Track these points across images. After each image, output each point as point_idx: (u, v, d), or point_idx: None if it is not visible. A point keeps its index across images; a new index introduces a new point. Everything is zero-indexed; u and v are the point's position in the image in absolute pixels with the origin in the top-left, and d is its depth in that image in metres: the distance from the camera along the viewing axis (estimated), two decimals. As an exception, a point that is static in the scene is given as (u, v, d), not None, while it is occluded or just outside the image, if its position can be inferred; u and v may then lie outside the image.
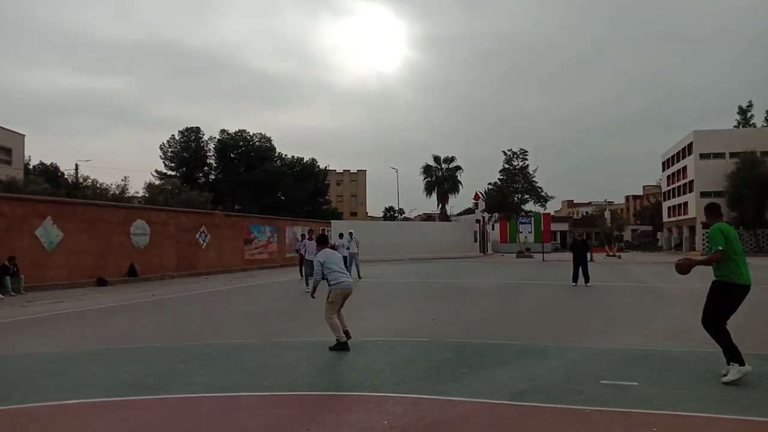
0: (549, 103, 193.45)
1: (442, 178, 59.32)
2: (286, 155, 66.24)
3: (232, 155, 61.82)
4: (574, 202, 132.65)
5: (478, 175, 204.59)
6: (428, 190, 60.16)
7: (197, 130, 61.94)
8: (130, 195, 39.99)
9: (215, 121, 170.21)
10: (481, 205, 51.90)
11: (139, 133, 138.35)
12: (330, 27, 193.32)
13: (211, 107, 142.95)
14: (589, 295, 14.85)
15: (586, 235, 58.94)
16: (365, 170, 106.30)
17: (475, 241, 50.66)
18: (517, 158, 46.13)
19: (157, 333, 9.23)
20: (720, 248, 5.51)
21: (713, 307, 5.63)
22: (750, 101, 73.65)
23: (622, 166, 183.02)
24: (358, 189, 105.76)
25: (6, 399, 5.18)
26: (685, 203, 62.22)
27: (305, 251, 17.80)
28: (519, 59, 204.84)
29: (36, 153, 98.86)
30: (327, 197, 72.00)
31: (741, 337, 8.11)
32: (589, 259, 18.46)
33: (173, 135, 61.39)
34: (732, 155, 54.12)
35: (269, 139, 64.19)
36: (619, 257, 40.60)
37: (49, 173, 46.02)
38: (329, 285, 7.65)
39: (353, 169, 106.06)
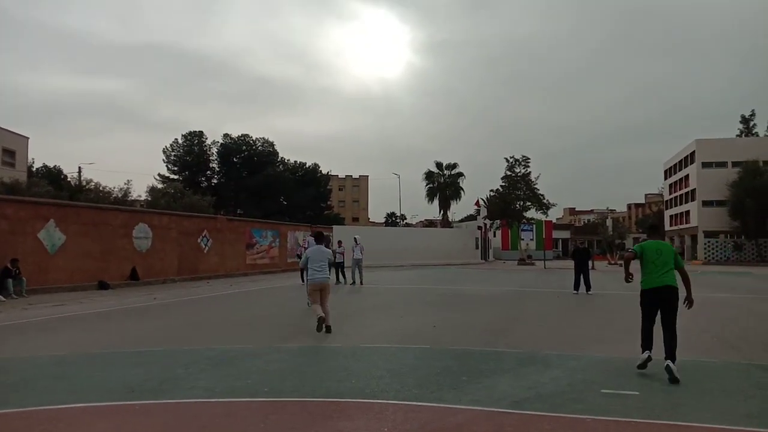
0: (552, 110, 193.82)
1: (444, 185, 59.28)
2: (288, 160, 66.51)
3: (234, 159, 61.90)
4: (576, 209, 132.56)
5: (481, 182, 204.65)
6: (430, 196, 60.13)
7: (200, 134, 62.10)
8: (132, 198, 40.09)
9: (218, 125, 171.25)
10: (483, 211, 51.92)
11: (143, 136, 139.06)
12: (334, 31, 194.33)
13: (214, 111, 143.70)
14: (591, 303, 14.83)
15: (588, 242, 58.94)
16: (367, 176, 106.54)
17: (477, 247, 50.64)
18: (519, 165, 46.23)
19: (158, 337, 9.23)
20: (631, 251, 7.10)
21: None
22: (753, 110, 73.36)
23: (625, 174, 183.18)
24: (360, 194, 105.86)
25: (6, 403, 5.18)
26: (687, 212, 62.13)
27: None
28: (523, 66, 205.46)
29: (39, 155, 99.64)
30: (329, 202, 72.06)
31: (742, 348, 8.11)
32: (590, 267, 18.45)
33: (176, 139, 61.58)
34: (734, 164, 54.07)
35: (272, 144, 64.39)
36: (621, 265, 40.47)
37: (53, 176, 46.20)
38: (306, 278, 9.31)
39: (355, 175, 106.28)
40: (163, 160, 60.83)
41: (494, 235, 54.47)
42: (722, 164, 56.38)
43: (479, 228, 52.06)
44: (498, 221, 48.72)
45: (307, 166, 66.78)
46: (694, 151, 59.40)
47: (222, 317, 12.17)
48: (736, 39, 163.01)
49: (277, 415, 4.87)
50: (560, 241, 68.80)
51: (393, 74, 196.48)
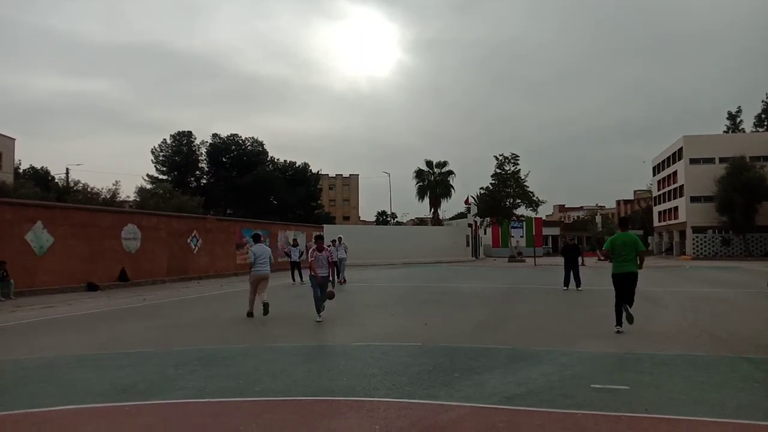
0: (540, 108, 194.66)
1: (434, 183, 59.32)
2: (278, 159, 66.19)
3: (224, 159, 61.57)
4: (566, 206, 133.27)
5: (471, 179, 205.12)
6: (420, 194, 60.15)
7: (189, 134, 61.70)
8: (121, 199, 39.75)
9: (207, 125, 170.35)
10: (473, 209, 52.05)
11: (131, 137, 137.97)
12: (322, 30, 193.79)
13: (203, 111, 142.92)
14: (581, 299, 14.91)
15: (578, 239, 59.28)
16: (357, 174, 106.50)
17: (468, 245, 50.80)
18: (508, 163, 46.34)
19: (148, 338, 9.17)
20: (605, 249, 9.47)
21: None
22: (739, 107, 74.02)
23: (613, 170, 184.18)
24: (350, 193, 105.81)
25: (-5, 405, 5.13)
26: (676, 208, 62.56)
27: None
28: (511, 64, 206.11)
29: (26, 157, 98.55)
30: (319, 201, 71.87)
31: (731, 342, 8.19)
32: (580, 263, 18.56)
33: (165, 139, 61.12)
34: (722, 160, 54.47)
35: (261, 144, 64.11)
36: (611, 261, 40.69)
37: (40, 177, 45.64)
38: (251, 269, 11.47)
39: (345, 174, 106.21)
40: (152, 160, 60.43)
41: (485, 233, 54.66)
42: (710, 160, 56.83)
43: (470, 226, 52.19)
44: (488, 219, 48.84)
45: (297, 165, 66.53)
46: (681, 148, 59.81)
47: (213, 317, 12.12)
48: (723, 37, 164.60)
49: (270, 415, 4.86)
50: (550, 237, 69.06)
51: (382, 73, 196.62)
